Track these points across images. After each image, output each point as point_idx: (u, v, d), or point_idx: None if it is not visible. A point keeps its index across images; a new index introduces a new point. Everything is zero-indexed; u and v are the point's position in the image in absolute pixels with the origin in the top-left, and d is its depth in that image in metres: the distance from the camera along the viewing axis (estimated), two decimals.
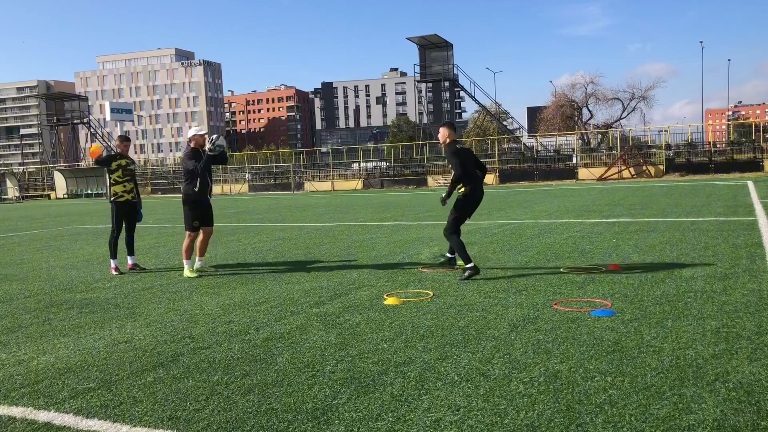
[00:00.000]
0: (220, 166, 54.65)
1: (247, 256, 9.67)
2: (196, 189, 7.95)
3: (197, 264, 8.25)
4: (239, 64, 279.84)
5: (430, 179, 44.16)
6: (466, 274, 6.77)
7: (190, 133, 8.16)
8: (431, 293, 6.19)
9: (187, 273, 7.96)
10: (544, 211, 15.86)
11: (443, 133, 7.17)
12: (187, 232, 8.10)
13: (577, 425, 3.02)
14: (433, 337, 4.65)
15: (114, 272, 8.43)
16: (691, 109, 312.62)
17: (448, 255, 7.70)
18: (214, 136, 8.12)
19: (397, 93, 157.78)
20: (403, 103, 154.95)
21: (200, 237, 8.19)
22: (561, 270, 7.14)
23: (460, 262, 7.76)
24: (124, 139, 8.88)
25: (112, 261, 8.54)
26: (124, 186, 8.62)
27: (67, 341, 5.02)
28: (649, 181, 33.62)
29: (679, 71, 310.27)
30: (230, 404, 3.49)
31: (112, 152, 9.01)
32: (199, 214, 8.05)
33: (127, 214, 8.68)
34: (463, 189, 7.03)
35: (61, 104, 71.94)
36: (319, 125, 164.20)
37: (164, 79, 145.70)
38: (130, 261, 8.74)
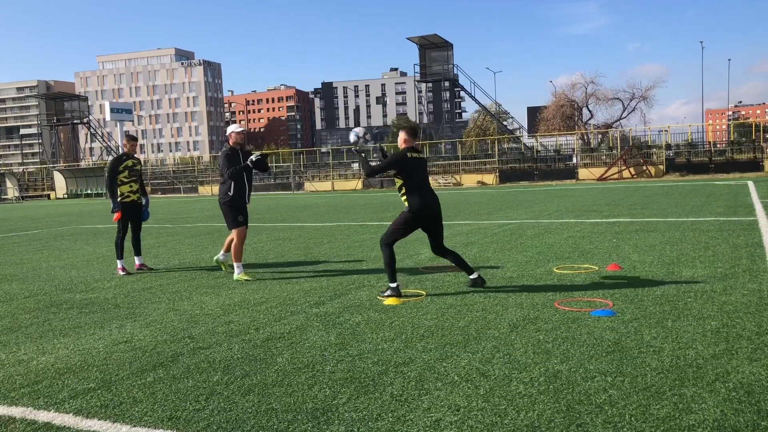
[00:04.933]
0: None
1: (247, 256, 9.65)
2: (231, 193, 7.60)
3: (220, 256, 8.20)
4: (239, 64, 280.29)
5: (430, 179, 44.10)
6: (387, 293, 6.06)
7: (229, 130, 7.81)
8: (424, 293, 6.19)
9: (239, 276, 7.56)
10: (544, 211, 15.86)
11: (401, 137, 6.37)
12: (234, 231, 7.70)
13: (577, 425, 3.02)
14: (433, 337, 4.65)
15: (121, 272, 8.39)
16: (688, 109, 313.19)
17: (471, 278, 6.37)
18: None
19: (397, 93, 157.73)
20: (403, 103, 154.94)
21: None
22: (554, 270, 7.15)
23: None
24: (132, 138, 8.82)
25: (118, 262, 8.51)
26: (130, 186, 8.58)
27: (67, 341, 5.02)
28: (649, 181, 33.62)
29: (674, 71, 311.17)
30: (230, 404, 3.49)
31: (120, 152, 8.96)
32: (240, 211, 7.72)
33: (133, 214, 8.65)
34: (406, 201, 6.21)
35: (61, 104, 71.97)
36: (319, 125, 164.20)
37: (164, 79, 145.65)
38: (137, 261, 8.72)
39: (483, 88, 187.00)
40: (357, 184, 46.29)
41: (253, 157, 7.65)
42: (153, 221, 18.31)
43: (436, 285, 6.63)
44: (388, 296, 6.02)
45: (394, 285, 6.09)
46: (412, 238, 11.06)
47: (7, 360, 4.58)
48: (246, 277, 7.57)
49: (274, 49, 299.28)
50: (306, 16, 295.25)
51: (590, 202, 18.65)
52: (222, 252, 8.22)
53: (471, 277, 6.32)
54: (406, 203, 6.22)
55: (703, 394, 3.31)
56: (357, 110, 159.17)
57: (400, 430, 3.08)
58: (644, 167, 38.50)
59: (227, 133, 7.93)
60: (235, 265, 7.71)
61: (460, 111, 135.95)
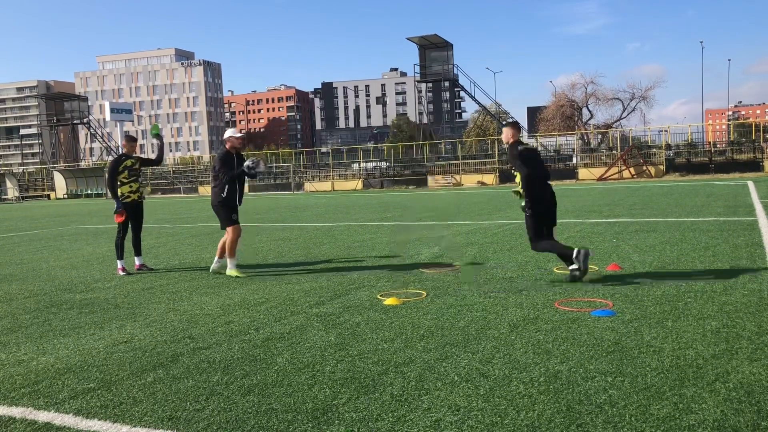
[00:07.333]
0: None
1: (247, 256, 9.65)
2: (224, 195, 7.74)
3: (215, 265, 8.18)
4: (239, 64, 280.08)
5: (430, 179, 44.15)
6: (578, 273, 6.31)
7: (227, 134, 7.94)
8: (424, 293, 6.19)
9: (231, 271, 7.72)
10: None
11: (506, 134, 6.69)
12: (228, 229, 7.80)
13: (577, 425, 3.02)
14: (433, 337, 4.64)
15: (121, 272, 8.38)
16: (687, 109, 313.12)
17: (574, 272, 6.45)
18: (250, 162, 7.78)
19: (397, 93, 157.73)
20: (403, 103, 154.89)
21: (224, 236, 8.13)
22: (554, 270, 7.15)
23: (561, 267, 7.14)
24: (131, 139, 8.83)
25: (118, 262, 8.50)
26: (130, 186, 8.57)
27: (67, 341, 5.02)
28: (649, 181, 33.62)
29: (674, 71, 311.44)
30: (230, 404, 3.49)
31: (120, 152, 8.95)
32: (234, 210, 7.85)
33: (133, 214, 8.65)
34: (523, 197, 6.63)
35: (60, 104, 71.92)
36: (319, 125, 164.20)
37: (164, 79, 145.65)
38: (137, 262, 8.71)
39: (483, 88, 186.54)
40: (357, 184, 46.29)
41: (248, 163, 7.77)
42: (153, 221, 18.31)
43: (436, 285, 6.63)
44: (581, 274, 6.34)
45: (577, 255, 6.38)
46: (412, 238, 11.05)
47: (7, 360, 4.58)
48: (238, 274, 7.66)
49: (274, 49, 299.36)
50: (306, 16, 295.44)
51: (590, 202, 18.64)
52: (216, 259, 8.20)
53: (572, 266, 6.46)
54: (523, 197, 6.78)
55: (703, 394, 3.31)
56: (357, 110, 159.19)
57: (400, 430, 3.08)
58: (644, 167, 38.51)
59: (225, 137, 7.98)
60: (229, 260, 7.82)
61: (460, 111, 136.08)
